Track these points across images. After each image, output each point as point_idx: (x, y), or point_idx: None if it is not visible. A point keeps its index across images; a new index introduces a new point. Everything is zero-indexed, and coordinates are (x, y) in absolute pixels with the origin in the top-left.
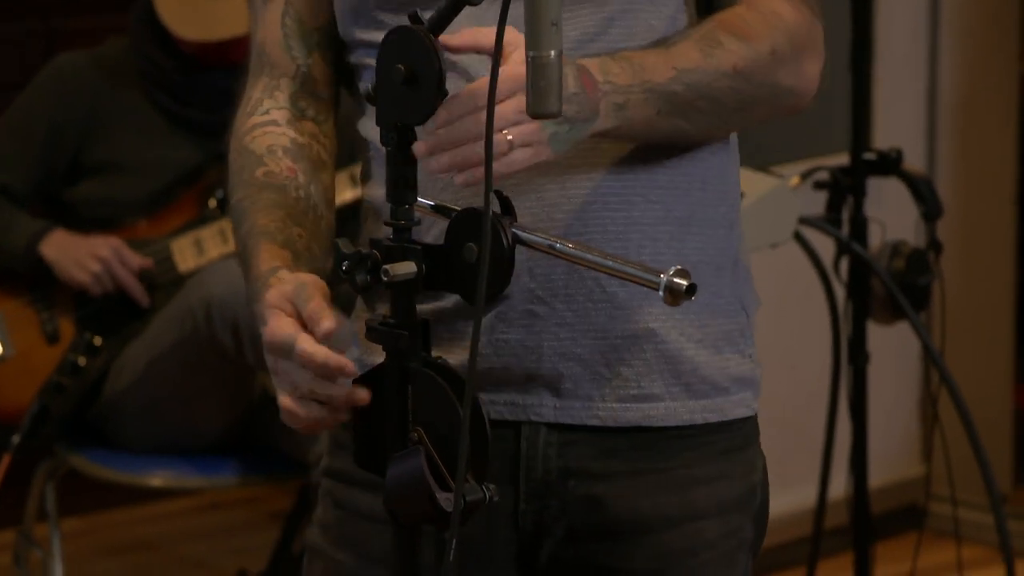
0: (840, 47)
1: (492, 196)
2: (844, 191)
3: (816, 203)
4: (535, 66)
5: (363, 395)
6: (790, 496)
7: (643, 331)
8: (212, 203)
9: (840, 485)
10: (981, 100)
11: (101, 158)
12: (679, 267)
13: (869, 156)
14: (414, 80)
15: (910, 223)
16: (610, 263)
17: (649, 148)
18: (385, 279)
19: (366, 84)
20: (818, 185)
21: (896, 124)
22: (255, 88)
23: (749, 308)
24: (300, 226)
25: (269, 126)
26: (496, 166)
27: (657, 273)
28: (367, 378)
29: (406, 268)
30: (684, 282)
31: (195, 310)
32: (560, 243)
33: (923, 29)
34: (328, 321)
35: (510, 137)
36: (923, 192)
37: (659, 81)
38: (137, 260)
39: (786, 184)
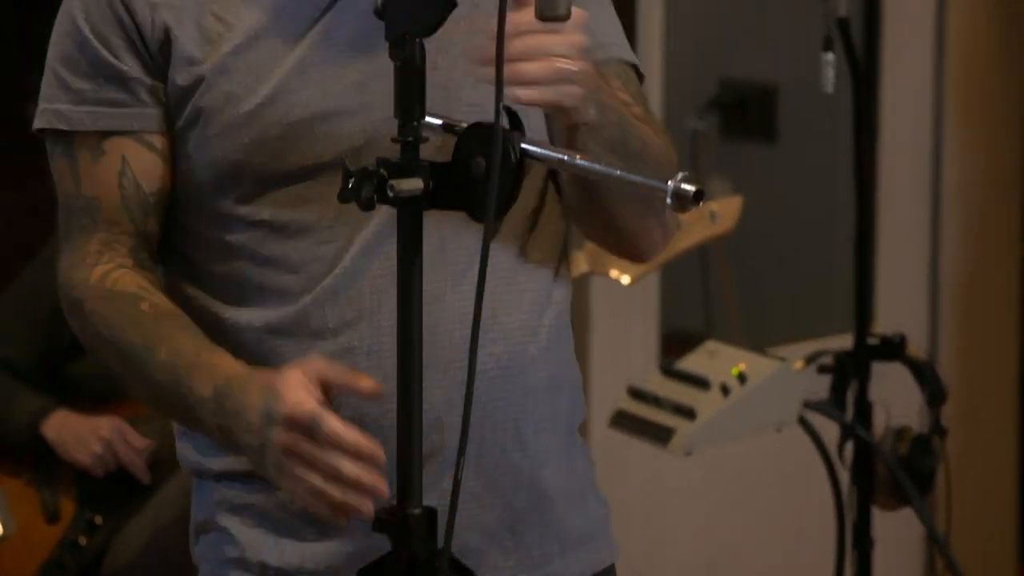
0: (844, 226)
1: (501, 111)
2: (848, 375)
3: (820, 384)
4: None
5: (383, 490)
6: None
7: (541, 498)
8: None
9: None
10: (983, 280)
11: None
12: (686, 173)
13: (872, 341)
14: None
15: (914, 404)
16: (617, 172)
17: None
18: (391, 194)
19: (376, 3)
20: (822, 369)
21: (898, 303)
22: (89, 243)
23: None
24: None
25: (121, 270)
26: (554, 90)
27: (664, 180)
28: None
29: (413, 184)
30: (691, 187)
31: None
32: (569, 156)
33: (925, 209)
34: (368, 379)
35: (575, 69)
36: (927, 377)
37: (627, 116)
38: (140, 440)
39: (789, 367)
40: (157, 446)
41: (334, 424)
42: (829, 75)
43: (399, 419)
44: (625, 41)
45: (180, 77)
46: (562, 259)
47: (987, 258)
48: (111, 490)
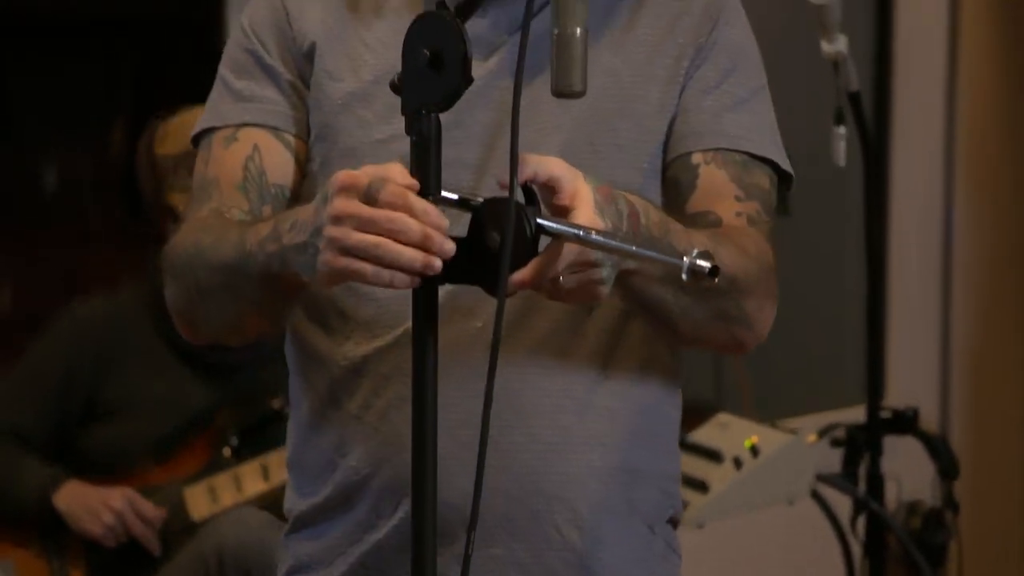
0: (856, 299)
1: (517, 187)
2: (860, 448)
3: (832, 457)
4: (560, 42)
5: (448, 247)
6: None
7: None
8: (227, 452)
9: None
10: (994, 353)
11: (114, 400)
12: (702, 249)
13: (885, 414)
14: (439, 63)
15: (927, 478)
16: (634, 249)
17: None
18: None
19: (393, 77)
20: (835, 443)
21: (910, 376)
22: (200, 211)
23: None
24: None
25: (218, 214)
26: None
27: (680, 255)
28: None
29: None
30: (707, 264)
31: (208, 558)
32: (584, 231)
33: (936, 282)
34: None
35: (574, 282)
36: (939, 451)
37: (677, 247)
38: (151, 511)
39: (802, 440)
40: (168, 517)
41: (396, 185)
42: (841, 148)
43: (413, 497)
44: (762, 135)
45: (318, 90)
46: (651, 359)
47: (998, 331)
48: (121, 561)
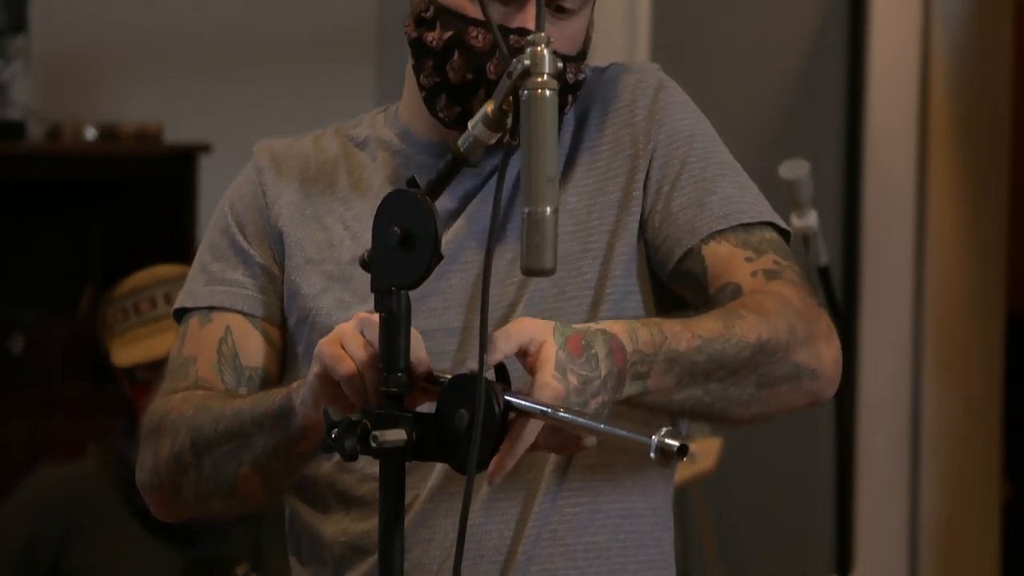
0: (825, 470)
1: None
2: None
3: None
4: (531, 222)
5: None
6: None
7: None
8: None
9: None
10: (962, 526)
11: (79, 568)
12: (669, 428)
13: None
14: (410, 242)
15: None
16: (602, 427)
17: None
18: (374, 445)
19: (362, 254)
20: None
21: (878, 548)
22: (177, 386)
23: None
24: None
25: (200, 390)
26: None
27: (648, 435)
28: None
29: (396, 435)
30: (675, 442)
31: None
32: (552, 408)
33: (904, 454)
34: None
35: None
36: None
37: (681, 350)
38: None
39: None
40: None
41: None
42: None
43: None
44: (748, 203)
45: (298, 273)
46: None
47: (966, 504)
48: None
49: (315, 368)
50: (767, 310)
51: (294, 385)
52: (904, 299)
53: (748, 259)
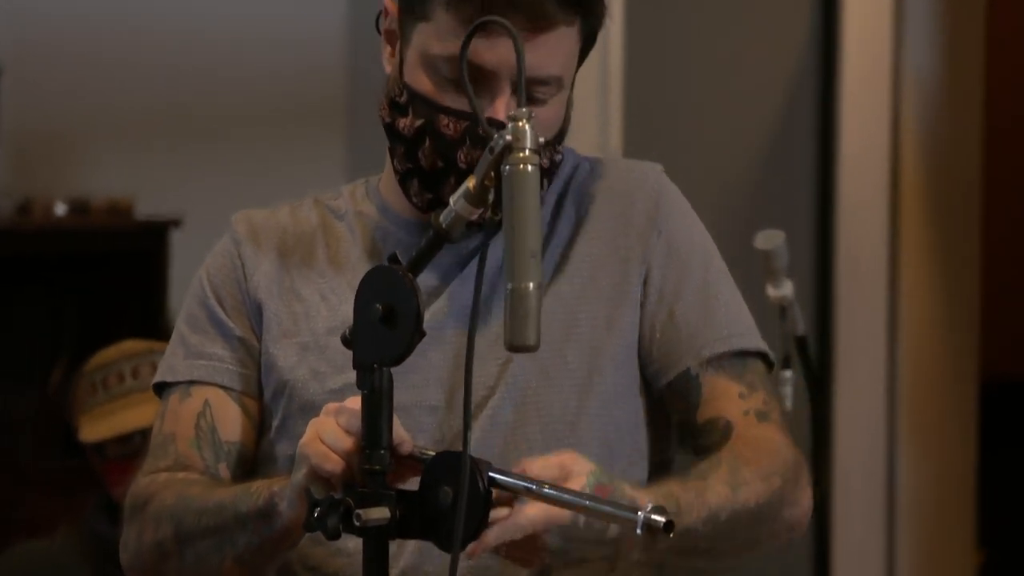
0: (802, 541)
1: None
2: None
3: None
4: (514, 297)
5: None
6: None
7: None
8: None
9: None
10: None
11: None
12: (654, 504)
13: None
14: (392, 319)
15: None
16: (587, 503)
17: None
18: (358, 524)
19: (344, 331)
20: None
21: None
22: (158, 466)
23: None
24: None
25: (182, 472)
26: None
27: (634, 510)
28: None
29: (379, 513)
30: (662, 519)
31: None
32: (536, 485)
33: (879, 523)
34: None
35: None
36: None
37: (688, 524)
38: None
39: None
40: None
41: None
42: (787, 392)
43: None
44: (743, 326)
45: (274, 345)
46: None
47: (942, 569)
48: None
49: (303, 470)
50: (764, 469)
51: (276, 488)
52: (878, 367)
53: (741, 395)
